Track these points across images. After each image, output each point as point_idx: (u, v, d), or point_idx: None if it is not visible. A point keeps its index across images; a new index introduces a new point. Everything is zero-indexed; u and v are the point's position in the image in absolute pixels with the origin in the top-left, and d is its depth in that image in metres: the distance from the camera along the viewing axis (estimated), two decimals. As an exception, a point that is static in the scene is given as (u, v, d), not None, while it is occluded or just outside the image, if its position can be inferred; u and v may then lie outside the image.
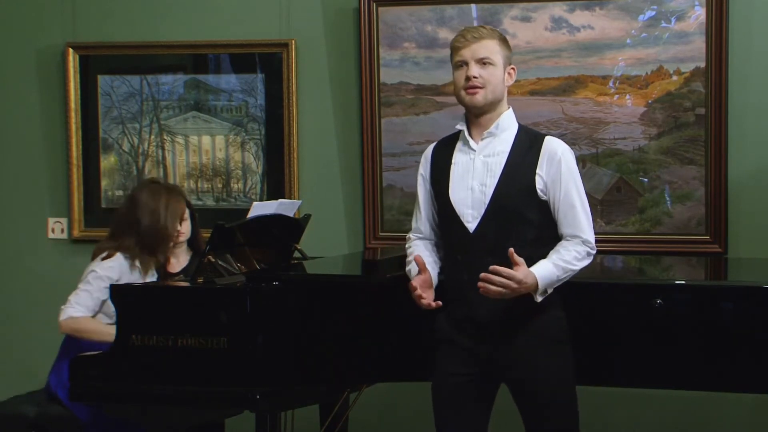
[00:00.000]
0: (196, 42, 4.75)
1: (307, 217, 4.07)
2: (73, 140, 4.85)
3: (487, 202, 2.94)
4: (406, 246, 3.20)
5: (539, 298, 2.91)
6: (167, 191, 3.92)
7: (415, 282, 2.97)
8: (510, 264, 2.85)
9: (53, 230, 4.92)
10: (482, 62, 2.97)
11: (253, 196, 4.71)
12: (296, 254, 4.02)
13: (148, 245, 3.84)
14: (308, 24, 4.66)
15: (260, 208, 3.80)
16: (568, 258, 2.92)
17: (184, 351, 3.25)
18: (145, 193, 3.89)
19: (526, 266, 2.85)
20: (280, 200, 4.02)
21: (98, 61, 4.86)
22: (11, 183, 4.99)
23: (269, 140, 4.72)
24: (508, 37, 3.13)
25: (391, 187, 4.59)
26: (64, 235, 4.90)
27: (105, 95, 4.86)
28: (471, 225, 2.95)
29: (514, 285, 2.82)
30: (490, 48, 2.98)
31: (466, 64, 2.98)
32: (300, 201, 4.35)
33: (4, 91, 4.97)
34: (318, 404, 3.96)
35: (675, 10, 4.31)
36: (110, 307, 3.67)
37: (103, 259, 3.82)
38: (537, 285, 2.87)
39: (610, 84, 4.37)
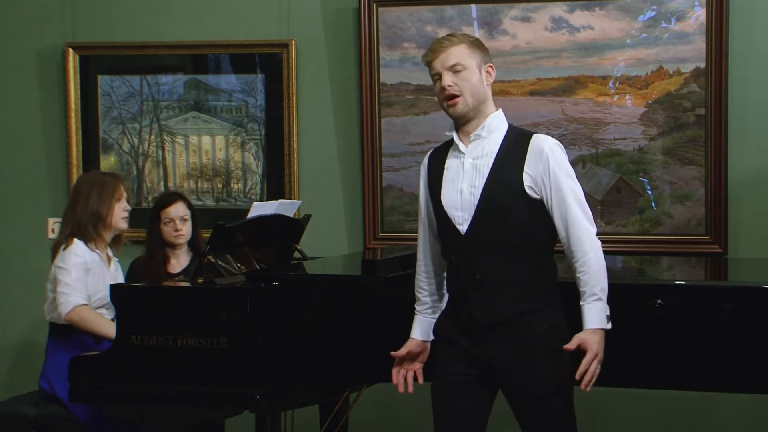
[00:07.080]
0: (196, 42, 4.75)
1: (307, 217, 4.07)
2: (73, 140, 4.85)
3: (476, 203, 2.94)
4: (417, 276, 3.15)
5: (609, 325, 2.90)
6: (101, 176, 4.05)
7: (395, 372, 3.08)
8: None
9: (53, 230, 4.91)
10: (453, 69, 2.94)
11: (253, 197, 4.71)
12: (296, 254, 4.02)
13: (87, 229, 3.87)
14: (308, 24, 4.66)
15: (260, 208, 3.80)
16: (594, 281, 2.89)
17: (184, 351, 3.25)
18: (79, 183, 4.02)
19: (581, 336, 2.86)
20: (280, 200, 4.03)
21: (98, 61, 4.86)
22: (11, 183, 4.99)
23: (269, 140, 4.72)
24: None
25: (391, 187, 4.59)
26: (64, 235, 4.90)
27: (105, 95, 4.86)
28: (462, 227, 2.95)
29: (598, 358, 2.85)
30: (458, 54, 2.95)
31: (440, 75, 2.97)
32: (300, 201, 4.35)
33: (4, 91, 4.97)
34: (318, 404, 3.96)
35: (675, 10, 4.31)
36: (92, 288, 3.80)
37: (64, 249, 3.84)
38: (601, 330, 2.88)
39: (610, 84, 4.37)
